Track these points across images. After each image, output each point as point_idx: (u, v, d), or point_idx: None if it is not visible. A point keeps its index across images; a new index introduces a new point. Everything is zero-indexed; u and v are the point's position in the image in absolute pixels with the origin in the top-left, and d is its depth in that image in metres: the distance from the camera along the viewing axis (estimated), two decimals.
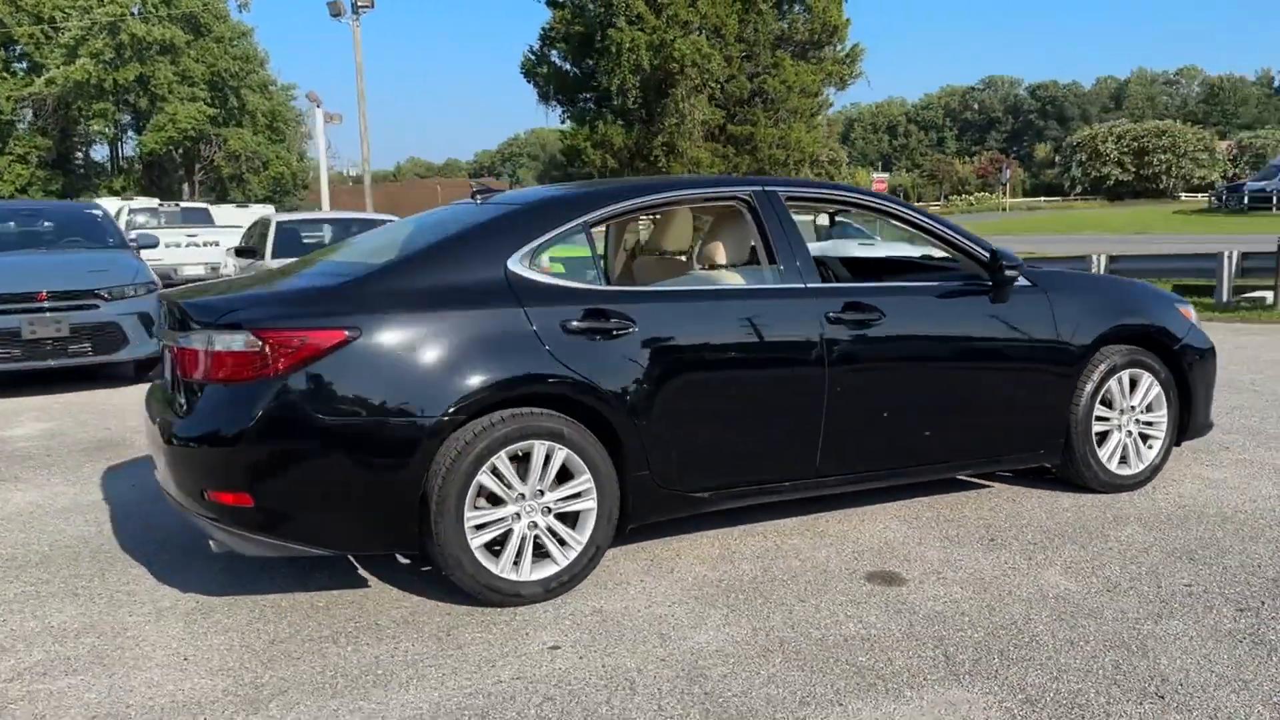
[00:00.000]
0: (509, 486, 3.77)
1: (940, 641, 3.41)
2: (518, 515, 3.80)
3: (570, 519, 3.90)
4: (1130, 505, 4.83)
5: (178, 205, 21.09)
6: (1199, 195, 67.88)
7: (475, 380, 3.68)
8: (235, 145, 53.82)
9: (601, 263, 4.09)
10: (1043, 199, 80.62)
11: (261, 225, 11.51)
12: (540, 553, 3.85)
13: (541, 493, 3.83)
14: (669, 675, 3.23)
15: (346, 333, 3.57)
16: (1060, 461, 4.91)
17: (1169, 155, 76.14)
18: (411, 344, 3.65)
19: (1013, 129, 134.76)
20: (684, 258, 5.12)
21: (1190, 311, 5.30)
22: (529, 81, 25.68)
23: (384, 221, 11.99)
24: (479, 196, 4.58)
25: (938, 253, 5.15)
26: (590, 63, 23.48)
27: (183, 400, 3.76)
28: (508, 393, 3.73)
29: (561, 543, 3.87)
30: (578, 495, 3.87)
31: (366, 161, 33.35)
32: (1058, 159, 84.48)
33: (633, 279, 5.15)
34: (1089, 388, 4.84)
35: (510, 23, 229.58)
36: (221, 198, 50.18)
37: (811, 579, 4.01)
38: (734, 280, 4.47)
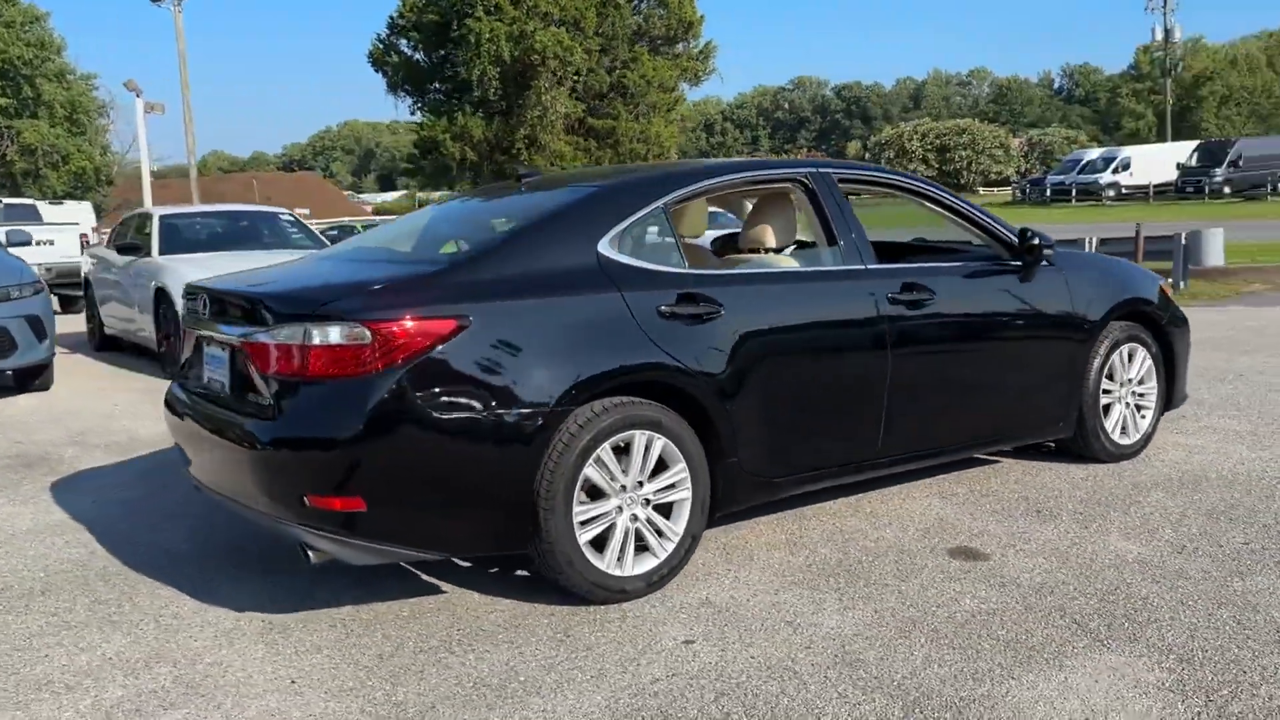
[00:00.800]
0: (612, 479, 3.63)
1: (1062, 611, 3.49)
2: (619, 508, 3.67)
3: (664, 510, 3.79)
4: (1137, 473, 5.09)
5: (0, 202, 19.27)
6: (995, 189, 72.45)
7: (582, 368, 3.52)
8: (31, 138, 49.64)
9: (680, 245, 3.98)
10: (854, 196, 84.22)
11: (140, 220, 10.67)
12: (639, 546, 3.73)
13: (640, 484, 3.71)
14: (825, 662, 3.18)
15: (458, 321, 3.35)
16: (1073, 434, 5.12)
17: (969, 152, 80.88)
18: (519, 332, 3.46)
19: (821, 128, 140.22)
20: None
21: (1168, 287, 5.63)
22: (377, 70, 24.85)
23: (274, 213, 11.36)
24: (523, 182, 4.40)
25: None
26: (445, 53, 22.94)
27: (267, 400, 3.43)
28: (612, 381, 3.59)
29: (659, 534, 3.76)
30: (673, 485, 3.76)
31: (192, 154, 31.51)
32: (867, 156, 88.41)
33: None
34: (1097, 362, 5.07)
35: (319, 12, 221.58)
36: (15, 195, 46.22)
37: (896, 559, 4.03)
38: (788, 264, 4.45)
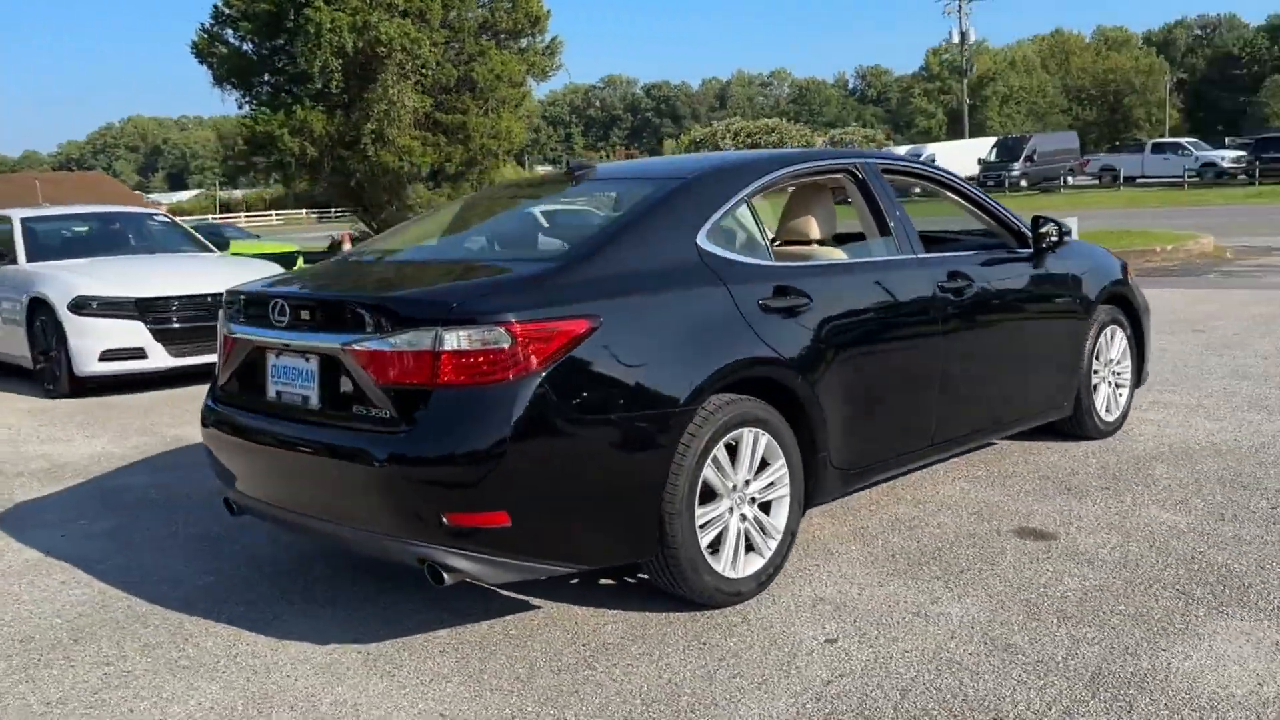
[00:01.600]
0: (725, 479, 3.53)
1: (1162, 583, 3.63)
2: (730, 509, 3.57)
3: (765, 508, 3.72)
4: (1127, 448, 5.37)
5: None
6: None
7: (703, 365, 3.41)
8: None
9: (765, 237, 3.91)
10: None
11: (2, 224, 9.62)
12: (746, 546, 3.64)
13: (747, 483, 3.62)
14: (980, 650, 3.20)
15: (590, 321, 3.17)
16: (1071, 413, 5.35)
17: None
18: (644, 330, 3.32)
19: (633, 126, 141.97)
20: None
21: (1131, 271, 5.98)
22: (202, 63, 23.37)
23: (145, 214, 10.53)
24: (577, 174, 4.22)
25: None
26: (278, 43, 21.82)
27: (387, 412, 3.14)
28: (727, 378, 3.49)
29: (764, 533, 3.69)
30: (773, 484, 3.70)
31: None
32: (684, 153, 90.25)
33: None
34: (1089, 344, 5.33)
35: (93, 6, 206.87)
36: None
37: (971, 544, 4.10)
38: (837, 255, 4.45)
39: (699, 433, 3.38)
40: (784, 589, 3.73)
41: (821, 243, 4.56)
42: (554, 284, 3.28)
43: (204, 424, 3.89)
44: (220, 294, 8.38)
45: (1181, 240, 16.08)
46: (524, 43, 23.39)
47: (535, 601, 3.73)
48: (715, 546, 3.52)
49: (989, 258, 4.84)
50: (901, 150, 51.45)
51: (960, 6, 56.31)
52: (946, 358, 4.36)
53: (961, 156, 46.87)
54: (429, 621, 3.59)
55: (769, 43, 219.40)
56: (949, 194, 4.96)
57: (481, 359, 3.03)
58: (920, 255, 4.38)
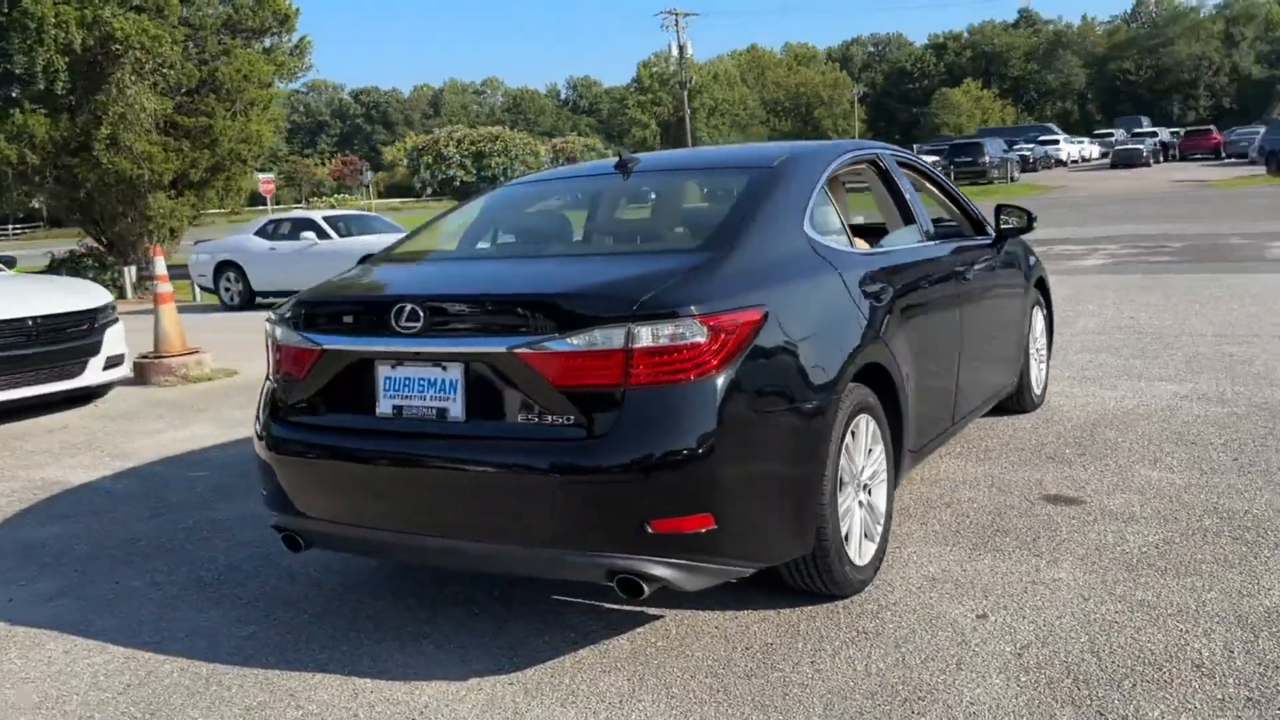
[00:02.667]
0: (852, 466, 3.53)
1: (1215, 531, 3.95)
2: (853, 497, 3.57)
3: (869, 493, 3.74)
4: (1063, 418, 5.82)
5: None
6: None
7: (842, 353, 3.40)
8: None
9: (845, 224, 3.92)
10: (398, 200, 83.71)
11: None
12: (864, 533, 3.65)
13: (862, 469, 3.63)
14: (1125, 609, 3.36)
15: (763, 311, 3.06)
16: (1015, 389, 5.74)
17: (504, 158, 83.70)
18: (797, 319, 3.25)
19: (342, 132, 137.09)
20: None
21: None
22: None
23: None
24: (625, 167, 4.05)
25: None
26: None
27: (570, 418, 2.88)
28: (858, 364, 3.48)
29: (875, 518, 3.71)
30: (876, 470, 3.73)
31: None
32: (407, 161, 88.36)
33: None
34: (1027, 323, 5.75)
35: None
36: None
37: (1017, 515, 4.29)
38: (861, 244, 4.54)
39: (839, 421, 3.35)
40: (889, 572, 3.76)
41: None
42: (723, 274, 3.14)
43: (271, 449, 3.41)
44: (36, 317, 7.44)
45: None
46: (269, 41, 21.99)
47: (652, 611, 3.55)
48: (846, 536, 3.50)
49: (970, 244, 5.11)
50: None
51: (678, 21, 58.57)
52: (961, 339, 4.56)
53: None
54: (556, 644, 3.34)
55: (481, 51, 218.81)
56: (928, 184, 5.18)
57: (676, 355, 2.85)
58: (940, 242, 4.56)
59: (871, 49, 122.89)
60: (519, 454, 2.95)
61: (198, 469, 6.00)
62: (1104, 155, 56.68)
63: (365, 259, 3.99)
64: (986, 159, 39.93)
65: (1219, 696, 2.77)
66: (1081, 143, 57.07)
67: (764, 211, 3.52)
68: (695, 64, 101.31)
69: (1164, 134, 56.69)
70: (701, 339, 2.87)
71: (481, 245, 4.15)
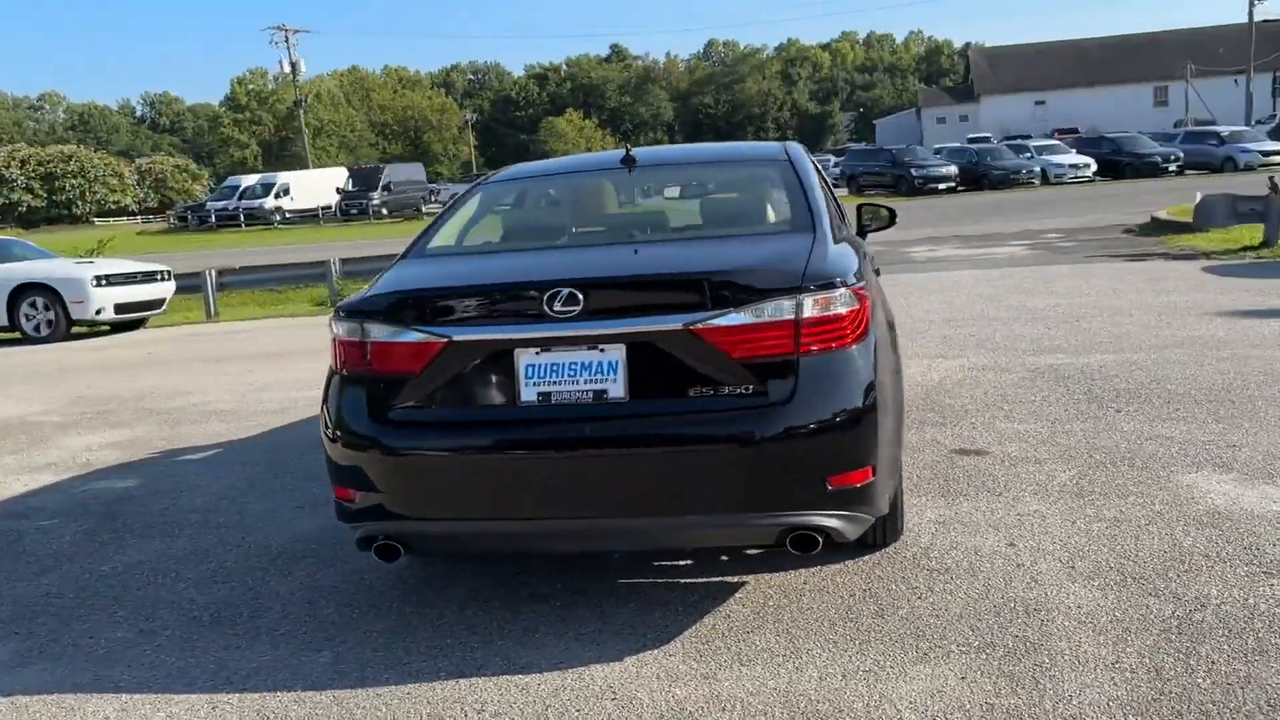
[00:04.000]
0: None
1: (1128, 461, 4.83)
2: None
3: None
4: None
5: None
6: (114, 219, 69.19)
7: (885, 319, 3.82)
8: None
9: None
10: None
11: None
12: None
13: None
14: (1132, 528, 4.07)
15: (865, 284, 3.41)
16: None
17: (80, 180, 75.64)
18: (872, 289, 3.60)
19: None
20: None
21: None
22: None
23: None
24: (632, 160, 4.21)
25: None
26: None
27: (747, 388, 3.06)
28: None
29: None
30: None
31: None
32: None
33: None
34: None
35: None
36: None
37: (952, 467, 4.94)
38: None
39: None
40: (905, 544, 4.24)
41: None
42: (836, 251, 3.44)
43: (378, 452, 3.21)
44: None
45: None
46: None
47: (731, 579, 3.76)
48: None
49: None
50: (252, 180, 50.06)
51: (288, 38, 56.17)
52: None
53: (318, 185, 47.11)
54: (674, 618, 3.48)
55: (34, 62, 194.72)
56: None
57: (837, 322, 3.13)
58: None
59: (471, 76, 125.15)
60: (698, 427, 3.07)
61: (38, 518, 5.20)
62: None
63: (407, 257, 3.81)
64: None
65: (1225, 564, 3.51)
66: None
67: (814, 197, 3.87)
68: (298, 83, 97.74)
69: None
70: (855, 306, 3.17)
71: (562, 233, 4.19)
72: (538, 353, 3.16)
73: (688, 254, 3.67)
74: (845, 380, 3.13)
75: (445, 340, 3.20)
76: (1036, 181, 35.14)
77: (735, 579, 3.75)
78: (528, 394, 3.17)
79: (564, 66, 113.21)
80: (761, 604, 3.53)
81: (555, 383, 3.15)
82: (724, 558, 3.93)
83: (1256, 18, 48.98)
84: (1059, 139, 41.94)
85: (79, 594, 4.11)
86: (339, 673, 3.27)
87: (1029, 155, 37.12)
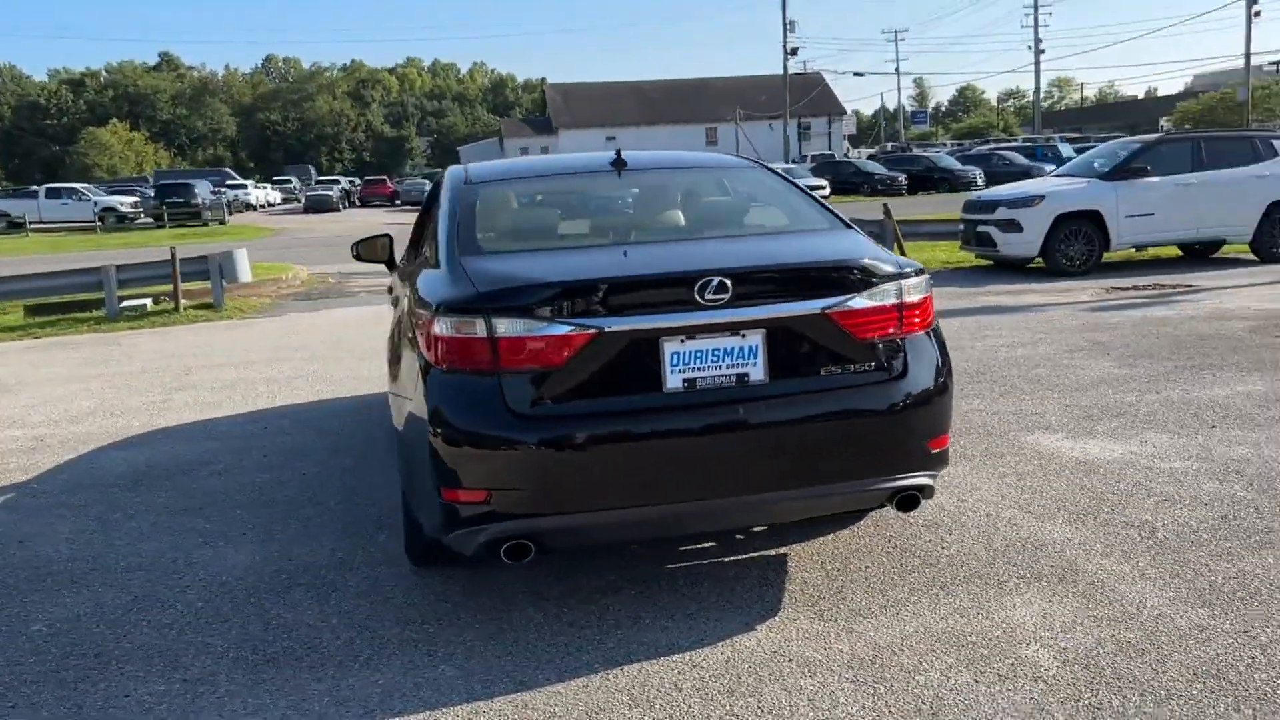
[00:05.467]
0: None
1: (969, 432, 5.72)
2: None
3: None
4: None
5: None
6: None
7: None
8: None
9: None
10: None
11: None
12: None
13: None
14: (1131, 479, 4.87)
15: None
16: None
17: None
18: None
19: None
20: None
21: None
22: None
23: None
24: (624, 165, 4.34)
25: None
26: None
27: (869, 365, 3.42)
28: None
29: None
30: None
31: None
32: None
33: None
34: None
35: None
36: None
37: None
38: None
39: None
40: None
41: None
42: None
43: (534, 448, 3.13)
44: None
45: (285, 269, 17.62)
46: None
47: (772, 553, 4.06)
48: None
49: None
50: None
51: None
52: None
53: None
54: (763, 593, 3.74)
55: None
56: None
57: (924, 305, 3.56)
58: None
59: None
60: (833, 403, 3.36)
61: None
62: (287, 200, 59.54)
63: (458, 256, 3.63)
64: (199, 200, 39.37)
65: (1130, 496, 4.42)
66: (265, 188, 58.94)
67: (820, 200, 4.26)
68: None
69: (344, 182, 61.70)
70: (930, 292, 3.63)
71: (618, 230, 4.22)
72: (683, 340, 3.27)
73: (798, 246, 3.85)
74: (934, 355, 3.58)
75: (595, 331, 3.21)
76: None
77: (774, 552, 4.05)
78: (673, 381, 3.27)
79: (104, 73, 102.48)
80: (823, 570, 3.86)
81: (699, 369, 3.29)
82: (739, 538, 4.21)
83: (791, 70, 56.54)
84: None
85: None
86: (483, 682, 3.14)
87: None
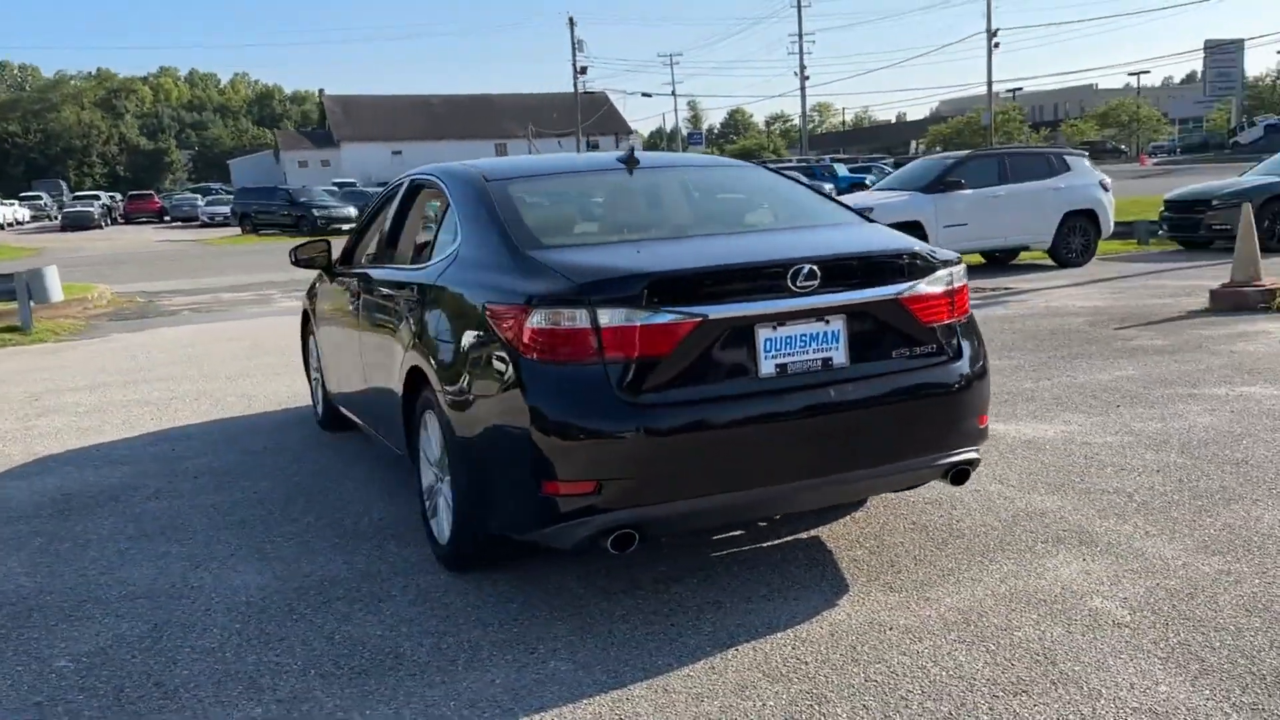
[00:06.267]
0: None
1: None
2: None
3: None
4: None
5: None
6: None
7: None
8: None
9: None
10: None
11: None
12: None
13: None
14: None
15: None
16: None
17: None
18: None
19: None
20: None
21: None
22: None
23: None
24: (633, 162, 4.39)
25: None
26: None
27: (931, 347, 3.68)
28: None
29: None
30: None
31: None
32: None
33: None
34: None
35: None
36: None
37: None
38: None
39: None
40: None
41: None
42: None
43: (647, 436, 3.15)
44: None
45: (89, 289, 16.27)
46: None
47: (804, 536, 4.21)
48: None
49: None
50: None
51: None
52: None
53: None
54: (812, 573, 3.87)
55: None
56: None
57: (964, 291, 3.81)
58: None
59: None
60: (905, 383, 3.55)
61: None
62: (37, 218, 54.82)
63: (520, 253, 3.57)
64: None
65: (1101, 466, 4.87)
66: (12, 205, 53.86)
67: (830, 195, 4.46)
68: None
69: (104, 197, 57.20)
70: (967, 279, 3.88)
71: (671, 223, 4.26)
72: (774, 327, 3.37)
73: (856, 236, 3.98)
74: (977, 337, 3.84)
75: (700, 319, 3.26)
76: None
77: (805, 536, 4.19)
78: (767, 366, 3.37)
79: None
80: (864, 549, 4.03)
81: (789, 354, 3.40)
82: (761, 525, 4.34)
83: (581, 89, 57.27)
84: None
85: None
86: (606, 672, 3.11)
87: None
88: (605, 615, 3.53)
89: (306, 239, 5.92)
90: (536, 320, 3.26)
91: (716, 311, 3.30)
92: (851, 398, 3.47)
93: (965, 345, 3.75)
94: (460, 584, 3.86)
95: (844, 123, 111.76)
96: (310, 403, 6.98)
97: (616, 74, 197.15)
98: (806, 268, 3.39)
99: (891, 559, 3.92)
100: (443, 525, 3.96)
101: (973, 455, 3.78)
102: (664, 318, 3.24)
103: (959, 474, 3.79)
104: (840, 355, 3.49)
